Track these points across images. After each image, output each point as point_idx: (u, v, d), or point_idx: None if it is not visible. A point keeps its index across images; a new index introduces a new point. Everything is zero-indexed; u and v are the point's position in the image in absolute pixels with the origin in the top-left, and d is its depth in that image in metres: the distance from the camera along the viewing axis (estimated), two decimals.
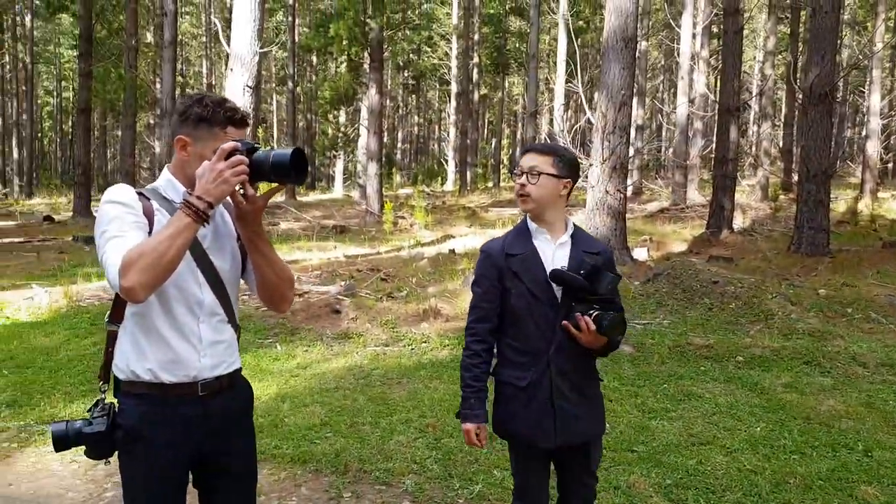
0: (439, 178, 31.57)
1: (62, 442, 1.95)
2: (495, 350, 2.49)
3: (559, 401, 2.37)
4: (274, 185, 1.92)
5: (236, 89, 9.80)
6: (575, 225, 2.50)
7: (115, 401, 2.00)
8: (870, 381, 5.66)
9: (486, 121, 41.89)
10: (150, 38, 29.47)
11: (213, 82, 39.34)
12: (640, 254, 10.44)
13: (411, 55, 32.82)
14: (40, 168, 39.07)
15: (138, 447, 1.94)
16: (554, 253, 2.40)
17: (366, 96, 17.83)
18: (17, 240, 15.33)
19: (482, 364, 2.42)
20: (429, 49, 31.64)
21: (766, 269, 9.52)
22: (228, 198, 1.86)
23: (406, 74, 37.55)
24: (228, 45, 10.17)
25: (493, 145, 40.37)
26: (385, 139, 26.97)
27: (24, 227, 18.64)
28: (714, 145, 16.33)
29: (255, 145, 1.87)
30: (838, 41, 10.24)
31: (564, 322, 2.32)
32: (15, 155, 37.62)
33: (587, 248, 2.43)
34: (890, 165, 28.39)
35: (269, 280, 2.05)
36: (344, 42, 16.50)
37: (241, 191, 1.87)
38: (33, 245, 14.39)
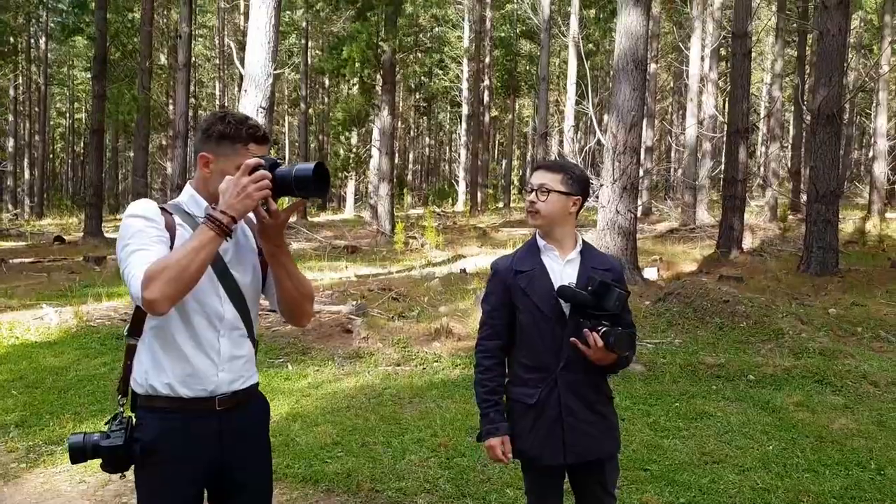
0: (450, 199, 31.75)
1: (79, 453, 1.98)
2: (507, 368, 2.50)
3: (568, 417, 2.37)
4: (296, 199, 1.97)
5: (250, 110, 9.94)
6: (585, 242, 2.51)
7: (132, 415, 2.03)
8: (881, 399, 5.65)
9: (497, 142, 42.17)
10: (163, 59, 29.94)
11: (226, 104, 39.82)
12: (650, 273, 10.45)
13: (423, 78, 33.19)
14: (51, 189, 39.51)
15: (155, 461, 1.96)
16: (563, 270, 2.42)
17: (378, 118, 18.02)
18: (27, 260, 15.47)
19: (495, 378, 2.44)
20: (440, 72, 31.99)
21: (776, 288, 9.51)
22: (251, 213, 1.91)
23: (418, 96, 37.93)
24: (242, 66, 10.35)
25: (503, 166, 40.57)
26: (397, 160, 27.21)
27: (34, 247, 18.84)
28: (723, 166, 16.40)
29: (278, 161, 1.93)
30: (845, 64, 10.30)
31: (572, 339, 2.33)
32: (26, 175, 38.09)
33: (596, 264, 2.44)
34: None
35: (289, 295, 2.09)
36: (357, 64, 16.73)
37: (265, 206, 1.92)
38: (44, 265, 14.51)
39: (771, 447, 4.56)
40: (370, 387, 6.08)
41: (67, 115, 47.33)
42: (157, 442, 1.96)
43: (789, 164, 23.55)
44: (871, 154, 21.30)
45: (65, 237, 20.22)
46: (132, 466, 2.01)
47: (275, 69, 10.09)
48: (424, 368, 6.65)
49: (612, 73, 9.02)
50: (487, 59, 29.34)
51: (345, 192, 32.86)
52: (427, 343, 7.34)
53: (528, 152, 46.74)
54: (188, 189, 2.08)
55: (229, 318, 2.02)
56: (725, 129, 13.96)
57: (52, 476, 4.30)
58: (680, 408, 5.43)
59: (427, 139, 44.81)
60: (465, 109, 30.07)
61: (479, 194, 28.81)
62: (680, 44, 20.27)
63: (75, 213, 29.24)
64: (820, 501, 3.74)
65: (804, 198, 22.75)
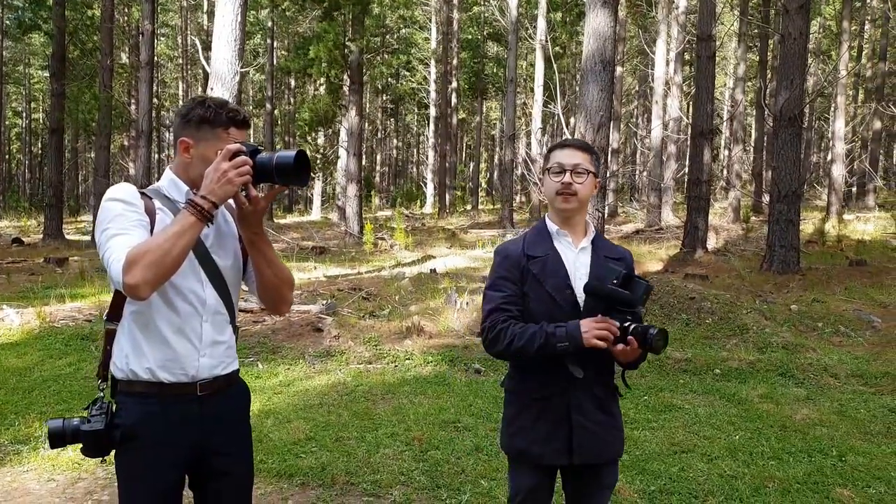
0: (418, 201, 31.74)
1: (58, 438, 1.96)
2: (509, 364, 2.34)
3: (577, 415, 2.20)
4: (276, 187, 1.97)
5: None
6: (596, 229, 2.37)
7: (112, 400, 2.01)
8: (841, 391, 5.82)
9: (465, 144, 42.29)
10: (124, 58, 29.36)
11: None
12: None
13: (390, 79, 33.13)
14: (8, 190, 38.43)
15: (136, 446, 1.95)
16: (576, 257, 2.26)
17: (345, 118, 17.96)
18: None
19: (519, 324, 2.19)
20: (407, 73, 31.98)
21: (740, 286, 9.73)
22: (231, 199, 1.90)
23: (385, 98, 37.84)
24: (208, 64, 10.22)
25: (470, 168, 40.72)
26: (364, 162, 27.08)
27: None
28: (687, 168, 16.69)
29: (259, 147, 1.92)
30: (806, 67, 10.59)
31: (600, 341, 2.09)
32: None
33: (609, 253, 2.30)
34: (854, 189, 29.18)
35: (269, 281, 2.08)
36: (323, 64, 16.63)
37: (244, 192, 1.91)
38: (2, 267, 14.14)
39: (737, 437, 4.67)
40: (342, 384, 6.06)
41: (24, 114, 46.10)
42: (137, 426, 1.94)
43: (751, 167, 24.10)
44: (829, 157, 21.91)
45: (23, 239, 19.70)
46: (112, 452, 1.99)
47: (241, 67, 9.99)
48: (396, 366, 6.65)
49: (579, 74, 9.12)
50: (455, 61, 29.43)
51: (311, 194, 32.61)
52: (398, 341, 7.34)
53: (496, 155, 46.99)
54: (168, 174, 2.06)
55: (211, 302, 2.01)
56: (690, 131, 14.23)
57: (19, 475, 4.19)
58: (649, 401, 5.53)
59: (395, 141, 44.75)
60: (432, 111, 30.11)
61: (447, 196, 28.86)
62: (645, 47, 20.59)
63: (33, 215, 28.49)
64: (785, 487, 3.84)
65: (766, 199, 23.35)
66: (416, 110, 41.53)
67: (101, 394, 2.02)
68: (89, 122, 16.80)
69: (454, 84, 30.05)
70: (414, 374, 6.33)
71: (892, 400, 5.55)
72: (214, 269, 2.01)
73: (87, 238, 20.39)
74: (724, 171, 26.24)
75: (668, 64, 19.13)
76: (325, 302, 8.70)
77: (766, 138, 25.25)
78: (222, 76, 9.76)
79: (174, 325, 1.95)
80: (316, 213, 29.58)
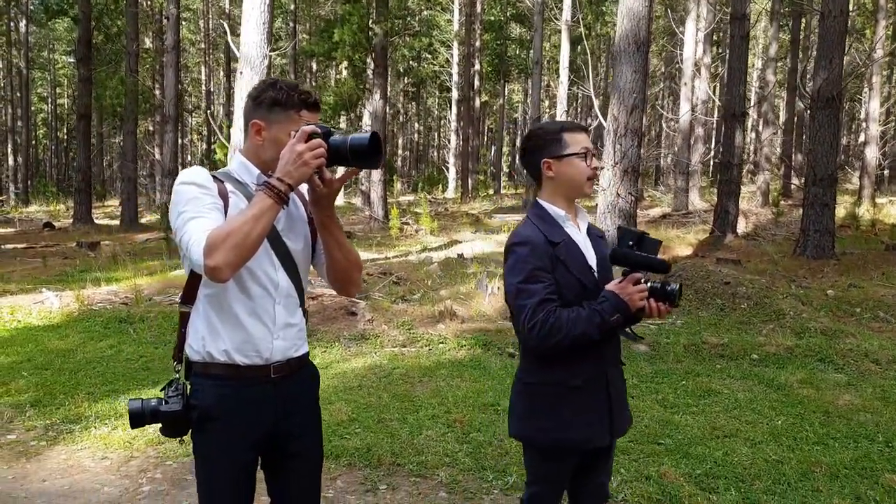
0: (440, 185, 31.68)
1: (139, 418, 2.00)
2: (528, 357, 2.30)
3: (612, 390, 2.27)
4: (349, 169, 1.97)
5: (246, 92, 9.86)
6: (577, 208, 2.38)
7: (187, 382, 2.05)
8: (882, 376, 5.75)
9: (487, 128, 42.07)
10: (147, 43, 29.55)
11: (212, 89, 39.44)
12: None
13: (412, 62, 32.98)
14: (36, 176, 39.04)
15: (212, 428, 1.99)
16: (585, 241, 2.30)
17: (369, 102, 17.92)
18: (20, 245, 15.36)
19: (565, 310, 2.16)
20: (429, 56, 31.80)
21: (774, 271, 9.62)
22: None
23: (406, 81, 37.71)
24: (237, 48, 10.25)
25: (492, 153, 40.51)
26: (386, 146, 27.11)
27: (24, 233, 18.66)
28: (714, 151, 16.48)
29: (332, 129, 1.92)
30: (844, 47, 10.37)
31: (641, 301, 2.15)
32: (10, 162, 37.56)
33: (594, 231, 2.38)
34: (886, 172, 28.63)
35: (339, 263, 2.10)
36: (348, 48, 16.59)
37: (318, 174, 1.91)
38: (37, 251, 14.40)
39: (780, 422, 4.64)
40: (379, 367, 6.11)
41: (49, 100, 46.63)
42: (213, 408, 1.98)
43: (781, 150, 23.72)
44: (862, 139, 21.48)
45: (54, 223, 20.03)
46: (189, 432, 2.03)
47: (270, 50, 10.00)
48: (430, 349, 6.69)
49: (609, 56, 9.01)
50: (478, 43, 29.21)
51: None
52: (431, 325, 7.37)
53: (518, 139, 46.71)
54: (238, 157, 2.08)
55: (284, 285, 2.04)
56: (720, 113, 14.01)
57: (73, 453, 4.31)
58: (687, 385, 5.51)
59: (416, 125, 44.64)
60: (454, 94, 29.94)
61: (469, 180, 28.78)
62: (674, 27, 20.26)
63: (62, 200, 28.94)
64: (832, 472, 3.82)
65: (795, 183, 22.99)
66: (437, 94, 41.35)
67: (177, 375, 2.05)
68: (116, 107, 16.95)
69: (477, 66, 29.85)
70: (449, 358, 6.36)
71: None
72: (286, 252, 2.03)
73: (116, 222, 20.69)
74: (753, 155, 25.86)
75: (696, 44, 18.82)
76: None
77: (795, 120, 24.83)
78: (251, 60, 9.80)
79: (248, 307, 1.98)
80: (339, 198, 29.66)
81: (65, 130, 47.10)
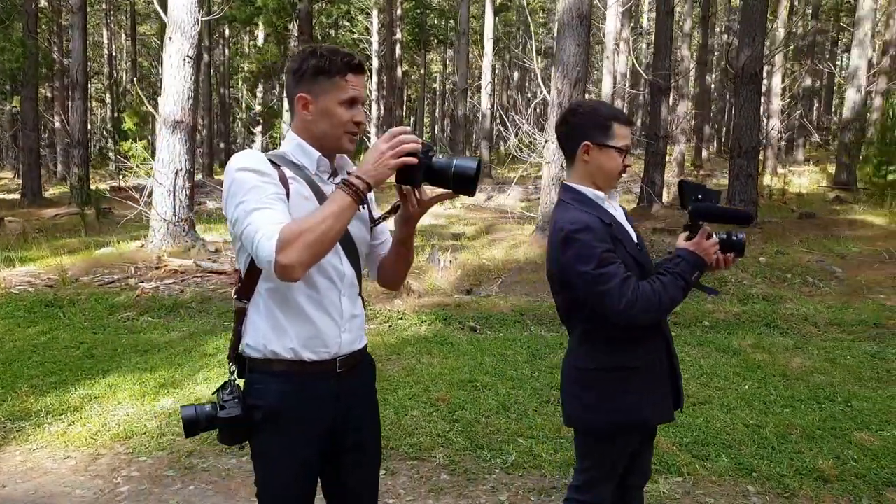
0: (361, 156, 31.11)
1: (193, 426, 1.86)
2: (586, 341, 2.26)
3: (674, 360, 2.31)
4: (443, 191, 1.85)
5: (175, 60, 9.29)
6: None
7: (239, 382, 1.91)
8: (823, 338, 6.14)
9: (406, 97, 41.55)
10: (43, 2, 27.26)
11: (114, 53, 36.96)
12: None
13: (328, 30, 31.99)
14: None
15: (275, 427, 1.86)
16: (623, 218, 2.30)
17: None
18: None
19: (644, 282, 2.14)
20: (348, 24, 30.96)
21: None
22: (348, 162, 1.89)
23: None
24: (164, 12, 9.60)
25: (411, 122, 40.17)
26: None
27: None
28: (640, 123, 16.99)
29: (433, 147, 1.81)
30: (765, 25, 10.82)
31: (722, 254, 2.23)
32: None
33: (623, 208, 2.39)
34: (783, 144, 30.46)
35: (401, 268, 2.08)
36: (271, 13, 15.89)
37: (414, 192, 1.86)
38: None
39: (746, 387, 4.87)
40: None
41: None
42: (278, 407, 1.86)
43: (692, 122, 24.71)
44: (766, 113, 22.67)
45: None
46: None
47: (202, 15, 9.42)
48: (391, 325, 6.59)
49: (557, 27, 9.05)
50: (398, 12, 28.69)
51: (251, 148, 31.52)
52: (388, 301, 7.25)
53: (437, 109, 46.49)
54: (292, 137, 1.91)
55: (349, 275, 1.93)
56: (644, 86, 14.39)
57: (30, 453, 3.97)
58: None
59: None
60: (374, 63, 29.36)
61: None
62: (597, 1, 20.53)
63: None
64: (808, 433, 4.05)
65: (705, 153, 24.09)
66: None
67: (233, 377, 1.90)
68: (16, 71, 15.56)
69: (398, 35, 29.35)
70: (413, 334, 6.29)
71: (871, 346, 5.90)
72: (349, 239, 1.92)
73: (15, 196, 19.14)
74: (669, 127, 26.82)
75: (617, 18, 19.18)
76: None
77: (704, 94, 25.90)
78: (181, 24, 9.21)
79: (315, 300, 1.85)
80: None
81: None
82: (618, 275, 2.11)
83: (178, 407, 4.55)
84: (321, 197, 1.84)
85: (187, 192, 9.55)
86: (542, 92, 10.18)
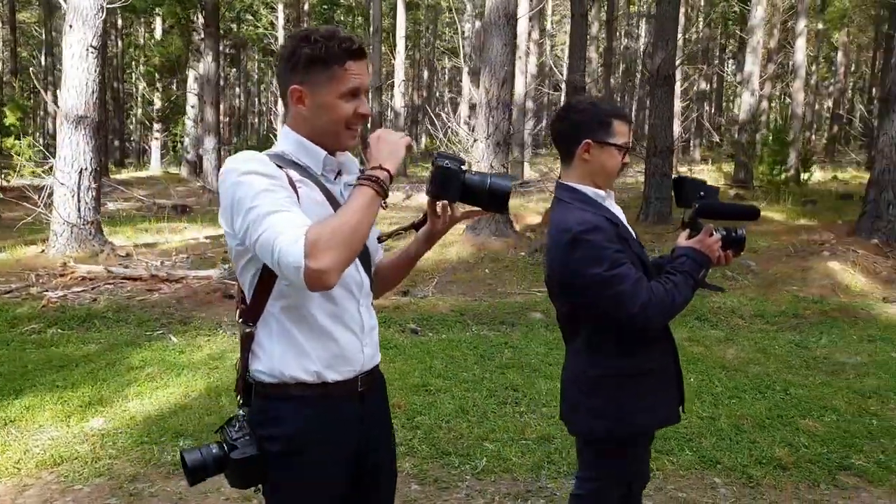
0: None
1: (200, 472, 1.63)
2: (594, 347, 2.19)
3: (679, 364, 2.31)
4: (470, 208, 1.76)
5: (77, 50, 8.60)
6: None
7: (243, 413, 1.71)
8: (750, 330, 6.44)
9: None
10: None
11: None
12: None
13: (231, 24, 30.81)
14: None
15: (298, 460, 1.67)
16: (623, 217, 2.24)
17: (201, 63, 16.51)
18: None
19: (654, 282, 2.11)
20: (251, 17, 29.90)
21: None
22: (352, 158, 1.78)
23: (226, 43, 35.19)
24: None
25: None
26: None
27: None
28: (543, 124, 17.29)
29: (464, 160, 1.69)
30: (678, 29, 11.28)
31: (724, 252, 2.23)
32: None
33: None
34: (680, 144, 32.10)
35: (399, 277, 1.99)
36: (175, 4, 15.08)
37: (449, 212, 1.77)
38: None
39: (692, 379, 4.99)
40: None
41: None
42: (300, 437, 1.66)
43: None
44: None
45: None
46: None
47: (108, 3, 8.77)
48: None
49: (482, 26, 9.04)
50: (306, 6, 28.00)
51: (148, 146, 29.92)
52: None
53: None
54: (289, 134, 1.71)
55: (366, 283, 1.77)
56: (564, 86, 14.69)
57: None
58: None
59: (236, 89, 42.04)
60: None
61: None
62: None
63: None
64: (759, 423, 4.19)
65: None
66: (257, 57, 39.15)
67: (242, 412, 1.69)
68: None
69: None
70: None
71: (794, 335, 6.24)
72: (364, 248, 1.74)
73: None
74: None
75: (529, 21, 19.57)
76: (225, 267, 8.07)
77: (610, 95, 26.81)
78: (83, 12, 8.55)
79: (334, 315, 1.67)
80: (155, 168, 27.16)
81: None
82: (630, 276, 2.06)
83: (110, 427, 4.18)
84: (333, 200, 1.67)
85: (94, 193, 8.87)
86: (450, 91, 10.16)
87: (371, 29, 19.27)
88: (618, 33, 33.63)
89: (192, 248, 9.82)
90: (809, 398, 4.62)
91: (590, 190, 2.19)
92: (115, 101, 30.90)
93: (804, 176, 16.29)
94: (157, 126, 23.29)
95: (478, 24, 24.23)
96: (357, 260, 1.70)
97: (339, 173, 1.75)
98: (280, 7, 28.02)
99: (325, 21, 31.39)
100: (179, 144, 24.62)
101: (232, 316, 6.74)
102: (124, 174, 26.59)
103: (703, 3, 28.71)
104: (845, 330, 6.32)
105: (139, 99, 31.05)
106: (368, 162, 1.60)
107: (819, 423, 4.20)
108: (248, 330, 1.67)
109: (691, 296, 2.15)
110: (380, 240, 1.89)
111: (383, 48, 26.79)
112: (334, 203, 1.66)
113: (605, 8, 22.51)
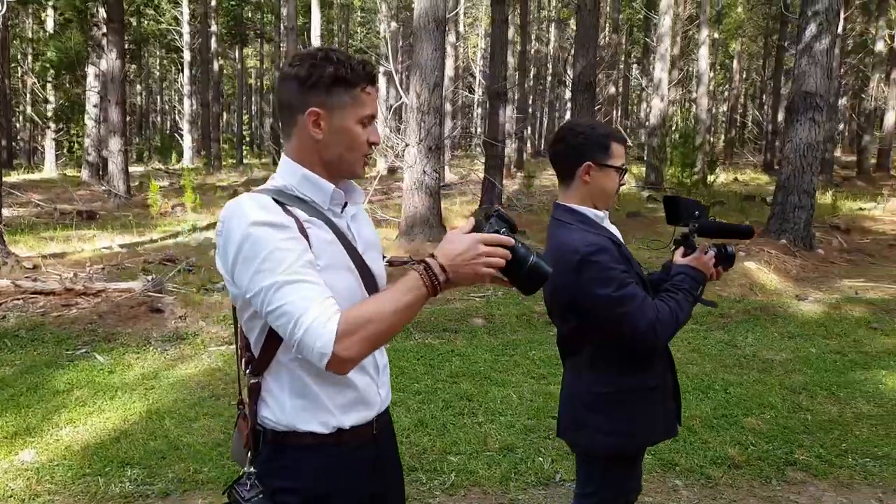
0: (173, 154, 28.91)
1: None
2: (598, 365, 2.22)
3: (675, 376, 2.36)
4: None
5: None
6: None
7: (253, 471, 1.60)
8: (682, 330, 6.65)
9: (223, 93, 39.30)
10: None
11: None
12: None
13: (130, 18, 29.30)
14: None
15: None
16: (621, 237, 2.30)
17: (104, 60, 15.59)
18: None
19: (658, 301, 2.15)
20: (153, 12, 28.52)
21: None
22: (355, 186, 1.69)
23: (126, 39, 33.42)
24: None
25: (224, 120, 38.07)
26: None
27: None
28: (478, 128, 17.52)
29: (515, 226, 1.58)
30: (598, 39, 11.62)
31: (716, 268, 2.29)
32: None
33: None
34: None
35: None
36: None
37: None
38: None
39: None
40: (218, 370, 5.45)
41: None
42: (319, 488, 1.57)
43: (515, 126, 26.02)
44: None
45: None
46: None
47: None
48: None
49: (413, 31, 9.00)
50: (213, 3, 27.02)
51: (40, 147, 27.99)
52: None
53: (254, 105, 44.54)
54: (291, 167, 1.58)
55: None
56: (485, 92, 14.82)
57: None
58: (537, 356, 5.83)
59: (137, 87, 39.98)
60: (186, 56, 27.41)
61: (212, 149, 26.75)
62: None
63: None
64: (707, 423, 4.37)
65: (525, 155, 25.48)
66: (159, 54, 37.44)
67: (253, 469, 1.58)
68: None
69: (214, 28, 27.64)
70: None
71: (723, 335, 6.55)
72: (372, 280, 1.64)
73: None
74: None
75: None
76: (149, 278, 7.64)
77: (524, 99, 27.41)
78: None
79: None
80: (50, 170, 25.42)
81: None
82: (638, 295, 2.10)
83: (44, 459, 3.86)
84: (342, 237, 1.57)
85: None
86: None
87: (283, 27, 18.78)
88: (532, 37, 34.42)
89: (106, 258, 9.24)
90: (748, 396, 4.86)
91: (590, 211, 2.22)
92: (3, 96, 28.72)
93: (710, 178, 17.19)
94: (52, 126, 21.75)
95: (394, 24, 24.15)
96: (367, 294, 1.61)
97: (345, 204, 1.66)
98: (185, 2, 26.92)
99: (234, 18, 30.45)
100: (78, 145, 23.12)
101: (160, 331, 6.43)
102: (14, 176, 24.75)
103: (608, 9, 29.80)
104: (767, 328, 6.70)
105: (28, 96, 29.02)
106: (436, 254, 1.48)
107: (761, 420, 4.43)
108: (254, 381, 1.57)
109: (690, 313, 2.20)
110: (388, 264, 1.82)
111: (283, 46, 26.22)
112: (343, 239, 1.57)
113: (519, 12, 22.94)
